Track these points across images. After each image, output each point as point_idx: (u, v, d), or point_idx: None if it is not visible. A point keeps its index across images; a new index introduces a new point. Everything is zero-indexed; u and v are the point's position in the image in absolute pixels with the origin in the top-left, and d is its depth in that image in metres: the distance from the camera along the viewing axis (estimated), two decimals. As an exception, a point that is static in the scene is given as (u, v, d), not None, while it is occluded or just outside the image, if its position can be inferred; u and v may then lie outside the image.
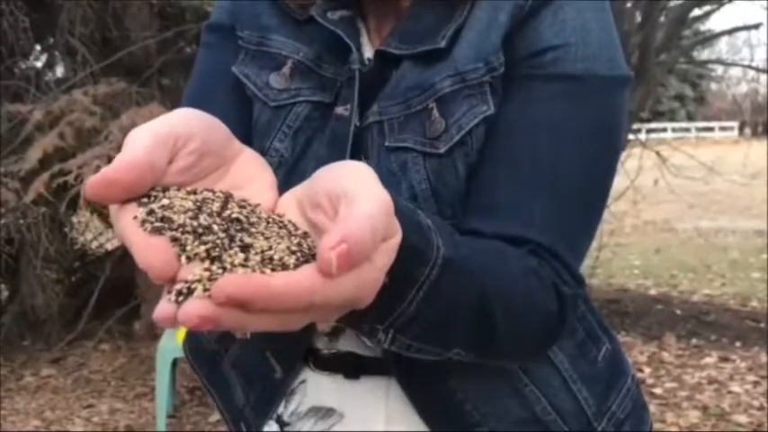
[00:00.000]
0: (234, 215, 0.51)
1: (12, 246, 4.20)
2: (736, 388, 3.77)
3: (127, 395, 3.90)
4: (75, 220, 4.86)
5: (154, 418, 3.42)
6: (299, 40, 0.79)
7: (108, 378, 4.13)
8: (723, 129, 30.70)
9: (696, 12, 5.52)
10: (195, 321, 0.43)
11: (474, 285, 0.63)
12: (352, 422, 0.79)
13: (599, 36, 0.73)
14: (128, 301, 4.45)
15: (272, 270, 0.46)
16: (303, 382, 0.81)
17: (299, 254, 0.48)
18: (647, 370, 4.03)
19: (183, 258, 0.46)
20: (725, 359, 4.18)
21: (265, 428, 0.84)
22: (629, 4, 4.89)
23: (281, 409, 0.83)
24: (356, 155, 0.74)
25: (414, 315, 0.60)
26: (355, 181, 0.50)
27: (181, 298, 0.45)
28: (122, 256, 4.35)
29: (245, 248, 0.47)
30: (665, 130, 23.31)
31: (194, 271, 0.45)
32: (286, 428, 0.82)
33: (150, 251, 0.47)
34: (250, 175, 0.58)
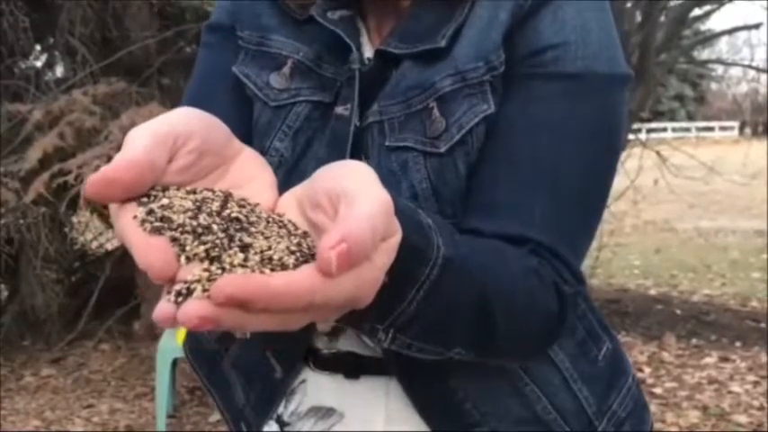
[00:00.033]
0: (233, 215, 0.51)
1: (12, 246, 4.20)
2: (736, 388, 3.77)
3: (127, 395, 3.90)
4: (75, 220, 4.86)
5: (154, 418, 3.42)
6: (299, 39, 0.79)
7: (108, 378, 4.13)
8: (723, 129, 30.70)
9: (696, 11, 5.52)
10: (195, 322, 0.43)
11: (474, 285, 0.63)
12: (352, 422, 0.78)
13: (599, 35, 0.73)
14: (128, 301, 4.45)
15: (272, 270, 0.46)
16: (303, 381, 0.81)
17: (298, 254, 0.48)
18: (647, 370, 4.03)
19: (183, 258, 0.46)
20: (725, 359, 4.18)
21: (265, 428, 0.84)
22: (629, 4, 4.89)
23: (281, 409, 0.83)
24: (356, 154, 0.74)
25: (414, 314, 0.60)
26: (355, 181, 0.50)
27: (180, 298, 0.45)
28: (122, 256, 4.35)
29: (244, 248, 0.47)
30: (665, 129, 23.31)
31: (194, 271, 0.45)
32: (286, 428, 0.82)
33: (150, 251, 0.47)
34: (250, 175, 0.58)
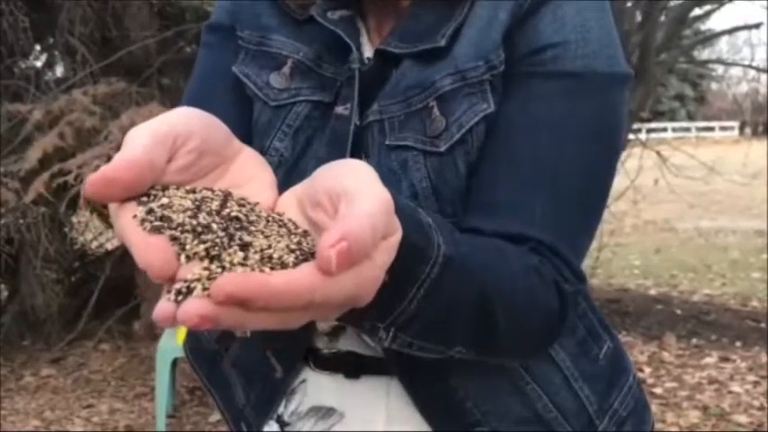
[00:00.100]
0: (233, 214, 0.51)
1: (12, 246, 4.20)
2: (736, 388, 3.77)
3: (127, 395, 3.90)
4: (75, 220, 4.86)
5: (154, 418, 3.42)
6: (299, 39, 0.79)
7: (108, 378, 4.13)
8: (723, 128, 30.69)
9: (696, 11, 5.52)
10: (195, 320, 0.43)
11: (474, 283, 0.63)
12: (352, 422, 0.78)
13: (599, 34, 0.73)
14: (127, 301, 4.45)
15: (272, 269, 0.46)
16: (303, 381, 0.81)
17: (298, 252, 0.48)
18: (648, 370, 4.03)
19: (183, 257, 0.46)
20: (725, 359, 4.18)
21: (266, 428, 0.84)
22: (629, 4, 4.89)
23: (281, 409, 0.83)
24: (356, 154, 0.74)
25: (414, 313, 0.60)
26: (355, 179, 0.50)
27: (180, 297, 0.45)
28: (122, 255, 4.35)
29: (244, 247, 0.47)
30: (665, 129, 23.30)
31: (193, 270, 0.45)
32: (286, 428, 0.82)
33: (149, 250, 0.47)
34: (250, 174, 0.58)
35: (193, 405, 3.72)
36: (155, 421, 3.36)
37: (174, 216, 0.48)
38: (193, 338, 0.91)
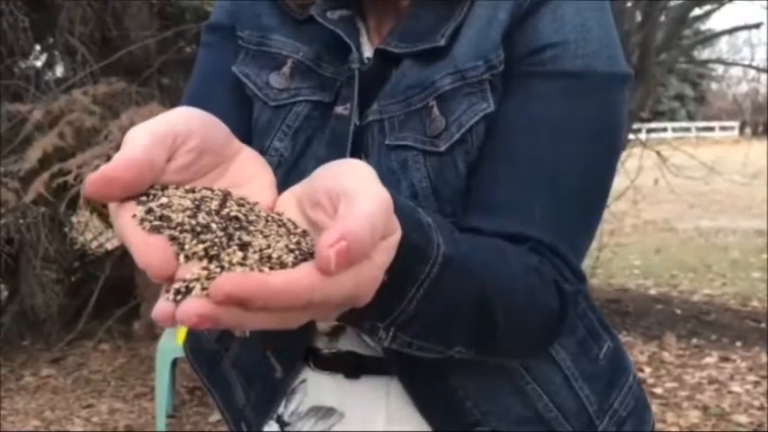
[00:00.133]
0: (232, 213, 0.51)
1: (12, 246, 4.20)
2: (736, 388, 3.77)
3: (127, 395, 3.90)
4: (74, 219, 4.86)
5: (153, 418, 3.42)
6: (299, 39, 0.79)
7: (108, 378, 4.13)
8: (723, 128, 30.69)
9: (696, 11, 5.51)
10: (194, 320, 0.43)
11: (474, 283, 0.63)
12: (352, 422, 0.78)
13: (599, 34, 0.73)
14: (127, 301, 4.45)
15: (271, 268, 0.46)
16: (303, 381, 0.81)
17: (297, 252, 0.48)
18: (648, 370, 4.03)
19: (182, 257, 0.46)
20: (725, 359, 4.18)
21: (266, 428, 0.84)
22: (629, 4, 4.89)
23: (281, 409, 0.83)
24: (356, 154, 0.74)
25: (414, 313, 0.60)
26: (355, 179, 0.50)
27: (179, 297, 0.45)
28: (122, 255, 4.35)
29: (243, 247, 0.47)
30: (665, 129, 23.29)
31: (192, 270, 0.45)
32: (286, 428, 0.82)
33: (149, 250, 0.47)
34: (249, 174, 0.58)
35: (193, 405, 3.72)
36: (155, 421, 3.36)
37: (173, 216, 0.48)
38: (193, 338, 0.91)
